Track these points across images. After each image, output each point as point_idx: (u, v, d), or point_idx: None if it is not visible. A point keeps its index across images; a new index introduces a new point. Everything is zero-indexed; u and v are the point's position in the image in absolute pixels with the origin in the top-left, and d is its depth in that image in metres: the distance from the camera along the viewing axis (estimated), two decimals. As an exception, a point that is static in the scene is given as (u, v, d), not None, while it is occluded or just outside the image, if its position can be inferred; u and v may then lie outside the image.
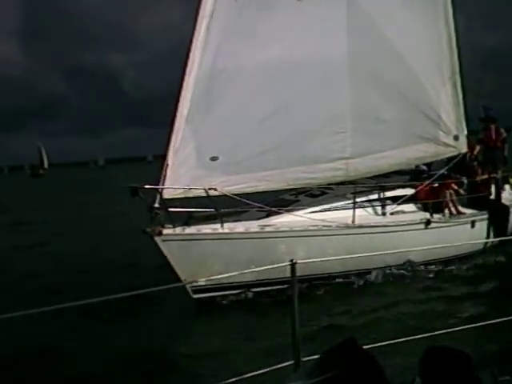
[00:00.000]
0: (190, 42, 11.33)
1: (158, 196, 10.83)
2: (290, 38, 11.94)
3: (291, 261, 5.29)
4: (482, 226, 14.24)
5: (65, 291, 12.83)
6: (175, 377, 8.39)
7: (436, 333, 6.19)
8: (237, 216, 12.41)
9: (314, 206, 12.84)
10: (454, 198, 14.24)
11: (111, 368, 8.64)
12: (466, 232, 13.79)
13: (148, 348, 9.17)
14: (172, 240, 10.88)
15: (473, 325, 6.80)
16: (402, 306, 10.89)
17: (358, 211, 12.85)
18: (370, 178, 13.88)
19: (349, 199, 13.04)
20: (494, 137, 15.40)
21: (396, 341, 5.90)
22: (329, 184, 13.03)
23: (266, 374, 5.01)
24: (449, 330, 6.54)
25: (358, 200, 13.02)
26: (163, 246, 10.80)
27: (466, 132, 14.67)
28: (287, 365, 4.92)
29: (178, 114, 11.21)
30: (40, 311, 3.98)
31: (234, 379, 4.85)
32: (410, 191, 13.97)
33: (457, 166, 14.75)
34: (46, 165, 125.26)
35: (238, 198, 11.61)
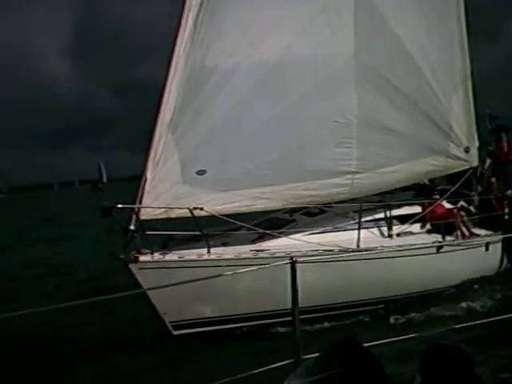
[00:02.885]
0: (175, 36, 9.68)
1: (134, 216, 9.19)
2: (290, 34, 10.34)
3: (291, 259, 5.58)
4: (496, 249, 12.80)
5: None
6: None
7: (436, 331, 6.65)
8: (225, 238, 10.75)
9: (313, 226, 11.26)
10: (466, 218, 12.78)
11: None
12: (480, 255, 12.36)
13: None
14: (150, 268, 9.24)
15: (472, 322, 6.99)
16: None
17: (362, 233, 11.32)
18: (373, 194, 12.38)
19: (350, 218, 11.50)
20: (506, 149, 14.00)
21: (396, 339, 6.15)
22: (332, 202, 11.45)
23: (266, 372, 5.14)
24: (448, 328, 7.18)
25: (362, 221, 11.51)
26: (139, 275, 9.20)
27: (477, 144, 13.25)
28: (287, 363, 5.06)
29: (160, 121, 9.54)
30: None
31: (234, 377, 4.97)
32: (417, 209, 12.50)
33: (465, 181, 13.33)
34: (104, 179, 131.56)
35: (228, 219, 9.96)
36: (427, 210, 12.46)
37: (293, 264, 6.19)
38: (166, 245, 10.40)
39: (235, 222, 10.18)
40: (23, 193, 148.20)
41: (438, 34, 12.23)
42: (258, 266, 9.44)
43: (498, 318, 6.51)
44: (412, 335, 6.79)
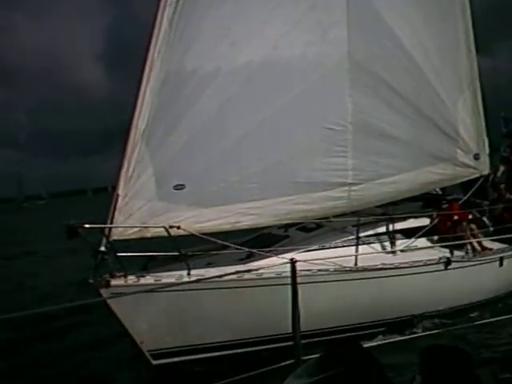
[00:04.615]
0: (150, 36, 8.82)
1: (105, 237, 8.31)
2: (276, 34, 9.43)
3: (291, 259, 6.04)
4: (511, 264, 11.72)
5: None
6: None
7: (436, 331, 7.06)
8: (211, 258, 9.82)
9: (309, 243, 10.33)
10: (476, 230, 11.76)
11: None
12: (493, 272, 11.32)
13: None
14: (123, 293, 8.33)
15: (472, 323, 7.50)
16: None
17: (362, 249, 10.38)
18: (376, 206, 11.42)
19: (349, 234, 10.55)
20: None
21: (396, 339, 6.57)
22: (327, 217, 10.50)
23: (266, 372, 5.42)
24: (450, 329, 7.47)
25: (361, 235, 10.55)
26: (112, 301, 8.27)
27: (488, 150, 12.23)
28: (288, 363, 5.27)
29: (133, 131, 8.65)
30: None
31: (235, 378, 5.28)
32: (424, 222, 11.52)
33: (477, 189, 12.34)
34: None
35: (209, 238, 9.03)
36: (434, 222, 11.49)
37: (293, 264, 6.51)
38: (146, 266, 9.53)
39: (216, 240, 9.23)
40: (60, 198, 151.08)
41: (440, 31, 11.26)
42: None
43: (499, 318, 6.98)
44: (413, 336, 7.37)
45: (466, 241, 11.41)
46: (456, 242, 11.08)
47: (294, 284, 6.89)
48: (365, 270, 9.82)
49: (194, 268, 9.05)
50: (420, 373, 2.80)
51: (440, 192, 13.32)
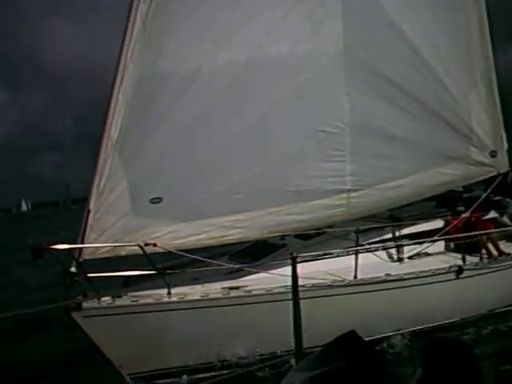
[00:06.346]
0: (123, 35, 8.10)
1: (76, 255, 7.74)
2: (261, 31, 8.60)
3: (291, 254, 6.37)
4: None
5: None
6: None
7: (437, 323, 7.36)
8: (198, 272, 9.13)
9: (307, 252, 9.55)
10: (494, 234, 10.81)
11: None
12: (511, 280, 10.40)
13: None
14: (97, 315, 7.75)
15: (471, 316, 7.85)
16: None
17: (366, 257, 9.59)
18: None
19: (352, 241, 9.76)
20: None
21: (397, 332, 6.77)
22: (325, 226, 9.76)
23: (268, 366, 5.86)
24: (451, 321, 7.67)
25: (364, 242, 9.79)
26: (85, 325, 7.73)
27: (506, 146, 11.23)
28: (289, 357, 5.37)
29: (105, 140, 7.98)
30: None
31: (237, 371, 5.78)
32: (437, 224, 10.67)
33: (498, 186, 11.37)
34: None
35: (189, 255, 8.37)
36: (447, 228, 10.59)
37: (293, 259, 6.63)
38: (127, 282, 8.93)
39: (197, 257, 8.57)
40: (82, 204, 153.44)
41: (449, 18, 10.21)
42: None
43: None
44: (413, 328, 7.50)
45: (482, 244, 10.53)
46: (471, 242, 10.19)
47: (295, 279, 6.54)
48: (365, 283, 9.05)
49: (178, 285, 8.44)
50: (421, 365, 2.83)
51: (460, 188, 12.33)
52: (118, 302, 7.99)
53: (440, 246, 10.68)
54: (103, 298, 7.92)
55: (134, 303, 8.03)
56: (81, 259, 7.76)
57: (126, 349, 7.93)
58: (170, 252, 8.14)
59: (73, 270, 7.64)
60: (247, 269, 9.02)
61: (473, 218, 10.87)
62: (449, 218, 10.94)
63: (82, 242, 7.81)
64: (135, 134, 8.08)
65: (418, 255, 10.37)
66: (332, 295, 8.89)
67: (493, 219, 11.51)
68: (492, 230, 10.81)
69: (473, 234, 10.32)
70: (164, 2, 8.16)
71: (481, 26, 10.66)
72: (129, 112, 8.00)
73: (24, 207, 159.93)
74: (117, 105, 7.98)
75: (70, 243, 7.63)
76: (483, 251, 10.49)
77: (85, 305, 7.72)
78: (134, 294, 8.18)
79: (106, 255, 7.98)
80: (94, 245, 7.79)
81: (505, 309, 10.30)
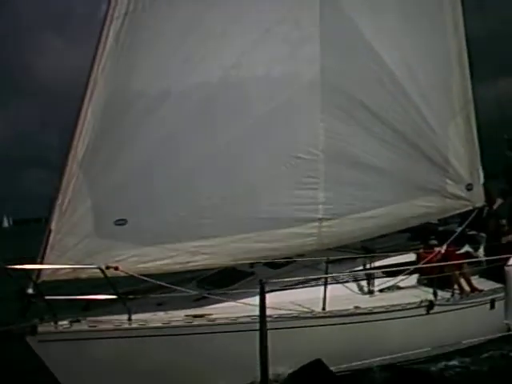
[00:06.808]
0: (95, 51, 7.86)
1: (34, 277, 7.41)
2: (235, 51, 8.41)
3: (260, 282, 7.10)
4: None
5: None
6: None
7: (405, 357, 7.88)
8: (164, 298, 8.85)
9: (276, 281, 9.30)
10: (467, 269, 10.63)
11: None
12: (482, 316, 10.21)
13: None
14: (52, 341, 7.41)
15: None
16: None
17: (336, 289, 9.37)
18: None
19: (322, 271, 9.47)
20: None
21: (365, 363, 7.26)
22: (294, 256, 9.51)
23: None
24: (419, 354, 8.24)
25: (334, 274, 9.55)
26: (40, 350, 7.39)
27: (482, 180, 11.10)
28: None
29: (70, 158, 7.70)
30: None
31: None
32: (410, 257, 10.47)
33: (472, 220, 11.21)
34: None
35: (152, 280, 8.07)
36: (422, 262, 10.35)
37: (262, 287, 7.02)
38: (88, 306, 8.58)
39: (160, 283, 8.27)
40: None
41: (429, 47, 10.09)
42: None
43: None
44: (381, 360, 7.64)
45: (454, 279, 10.34)
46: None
47: (263, 305, 6.58)
48: (333, 315, 8.80)
49: (140, 311, 8.14)
50: None
51: (435, 221, 12.17)
52: (76, 326, 7.65)
53: (412, 279, 10.45)
54: (60, 322, 7.58)
55: (92, 328, 7.69)
56: (39, 280, 7.43)
57: (82, 377, 7.61)
58: (133, 276, 7.82)
59: (30, 291, 7.32)
60: (214, 296, 8.73)
61: (447, 252, 10.68)
62: (421, 251, 10.74)
63: (42, 263, 7.49)
64: (102, 153, 7.82)
65: (390, 288, 10.13)
66: (299, 327, 8.63)
67: (466, 253, 11.35)
68: (465, 261, 10.66)
69: (444, 264, 10.16)
70: (137, 18, 7.97)
71: (460, 59, 10.60)
72: (97, 129, 7.75)
73: (6, 223, 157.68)
74: (85, 121, 7.73)
75: (31, 263, 7.34)
76: (455, 286, 10.30)
77: (40, 329, 7.39)
78: (92, 318, 7.84)
79: (65, 277, 7.67)
80: (53, 266, 7.48)
81: (473, 344, 10.10)
